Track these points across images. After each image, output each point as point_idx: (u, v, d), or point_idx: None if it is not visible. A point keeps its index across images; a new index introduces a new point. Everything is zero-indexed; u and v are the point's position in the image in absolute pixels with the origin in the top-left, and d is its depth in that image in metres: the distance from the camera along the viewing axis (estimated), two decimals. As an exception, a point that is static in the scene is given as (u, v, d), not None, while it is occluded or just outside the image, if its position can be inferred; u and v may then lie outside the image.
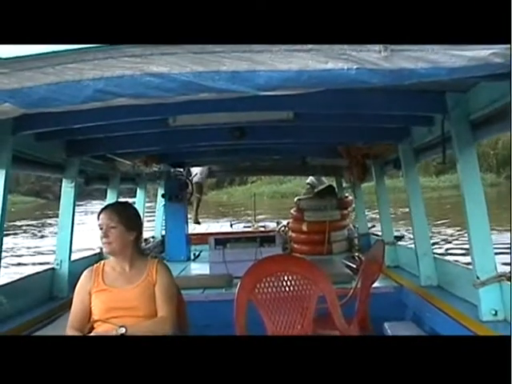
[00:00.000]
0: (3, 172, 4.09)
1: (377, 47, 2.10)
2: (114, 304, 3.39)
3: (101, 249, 6.67)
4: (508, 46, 2.10)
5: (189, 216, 9.47)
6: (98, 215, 3.52)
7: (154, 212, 9.93)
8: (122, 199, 7.13)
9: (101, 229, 3.48)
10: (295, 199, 9.22)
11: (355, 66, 2.13)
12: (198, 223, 11.30)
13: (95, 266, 3.59)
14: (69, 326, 3.44)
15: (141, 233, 3.72)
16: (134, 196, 8.76)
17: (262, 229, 10.57)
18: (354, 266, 6.60)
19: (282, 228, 9.53)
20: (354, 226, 9.01)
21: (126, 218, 3.55)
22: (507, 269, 3.85)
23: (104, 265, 3.57)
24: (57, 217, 5.78)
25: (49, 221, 28.64)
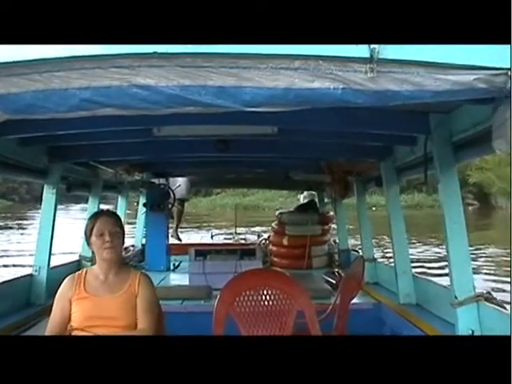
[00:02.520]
0: None
1: (363, 68, 2.13)
2: (94, 312, 3.37)
3: (80, 256, 6.64)
4: (491, 72, 2.14)
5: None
6: (95, 220, 3.47)
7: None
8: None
9: (101, 234, 3.42)
10: (276, 213, 9.24)
11: (341, 86, 2.15)
12: (180, 240, 11.18)
13: (77, 273, 3.56)
14: (47, 333, 3.41)
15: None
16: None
17: (243, 241, 10.57)
18: (334, 282, 6.61)
19: (263, 241, 9.53)
20: (335, 242, 9.04)
21: (121, 224, 3.58)
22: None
23: (86, 273, 3.54)
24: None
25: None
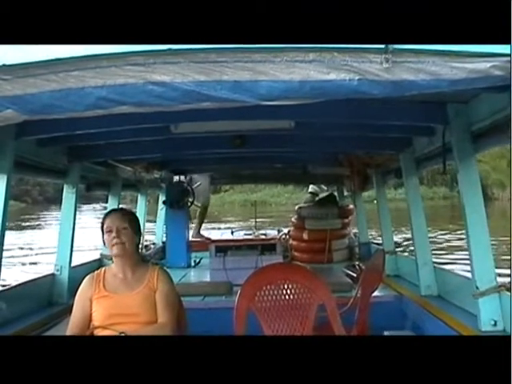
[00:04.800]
0: (5, 177, 4.09)
1: (378, 58, 2.12)
2: (115, 310, 3.39)
3: (101, 255, 6.68)
4: (507, 58, 2.11)
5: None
6: (105, 218, 3.52)
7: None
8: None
9: (109, 231, 3.46)
10: (296, 207, 9.21)
11: (357, 77, 2.14)
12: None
13: (96, 272, 3.59)
14: (68, 332, 3.44)
15: (140, 239, 3.72)
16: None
17: (263, 237, 10.56)
18: (355, 275, 6.58)
19: (283, 236, 9.52)
20: (355, 235, 9.01)
21: (134, 220, 3.58)
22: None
23: (105, 271, 3.57)
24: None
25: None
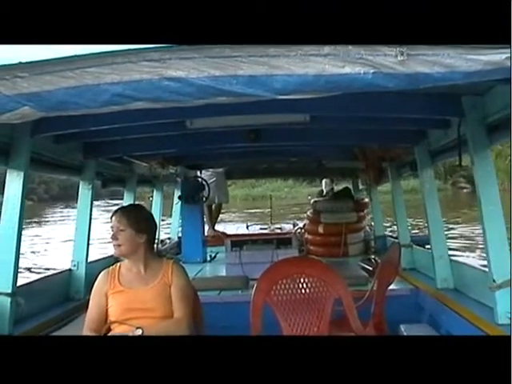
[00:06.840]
0: (21, 174, 4.13)
1: (393, 51, 2.11)
2: (130, 305, 3.41)
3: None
4: None
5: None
6: (111, 218, 3.56)
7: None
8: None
9: (111, 232, 3.52)
10: (311, 201, 9.21)
11: (372, 71, 2.13)
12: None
13: (111, 268, 3.61)
14: (85, 328, 3.46)
15: (153, 235, 3.71)
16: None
17: (279, 231, 10.57)
18: (371, 269, 6.58)
19: (299, 230, 9.52)
20: (371, 228, 9.00)
21: (135, 220, 3.54)
22: None
23: (120, 267, 3.59)
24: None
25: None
